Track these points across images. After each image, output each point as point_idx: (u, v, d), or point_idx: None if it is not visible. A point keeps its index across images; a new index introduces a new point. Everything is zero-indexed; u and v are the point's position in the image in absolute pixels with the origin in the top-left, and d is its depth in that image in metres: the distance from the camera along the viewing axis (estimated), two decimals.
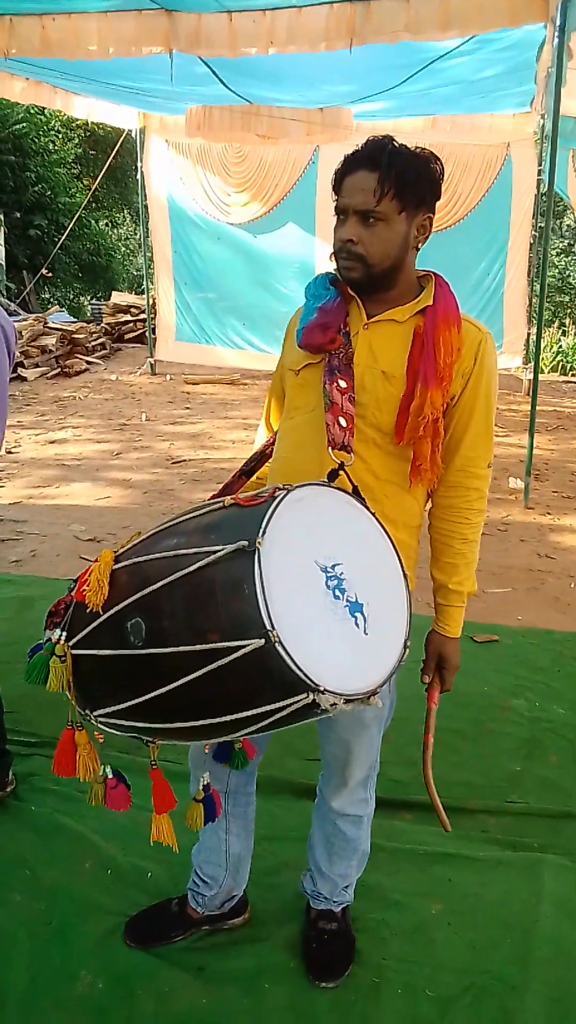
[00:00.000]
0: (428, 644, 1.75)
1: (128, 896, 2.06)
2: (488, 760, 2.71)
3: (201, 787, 1.61)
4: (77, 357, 10.77)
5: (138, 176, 9.55)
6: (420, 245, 1.60)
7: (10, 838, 2.26)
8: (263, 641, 1.17)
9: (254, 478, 1.85)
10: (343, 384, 1.58)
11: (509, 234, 8.60)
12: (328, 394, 1.57)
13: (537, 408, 5.53)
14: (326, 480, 1.47)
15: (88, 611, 1.35)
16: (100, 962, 1.87)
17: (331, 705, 1.20)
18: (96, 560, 1.39)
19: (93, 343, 11.48)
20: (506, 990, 1.84)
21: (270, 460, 1.79)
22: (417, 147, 1.56)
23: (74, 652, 1.38)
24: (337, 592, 1.31)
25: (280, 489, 1.33)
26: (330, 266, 1.69)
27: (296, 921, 1.99)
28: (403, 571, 1.45)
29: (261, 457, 1.83)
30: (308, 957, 1.89)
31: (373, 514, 1.47)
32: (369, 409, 1.59)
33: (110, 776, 1.49)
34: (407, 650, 1.39)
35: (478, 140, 8.06)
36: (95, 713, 1.39)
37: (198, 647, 1.22)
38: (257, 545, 1.21)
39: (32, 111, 14.16)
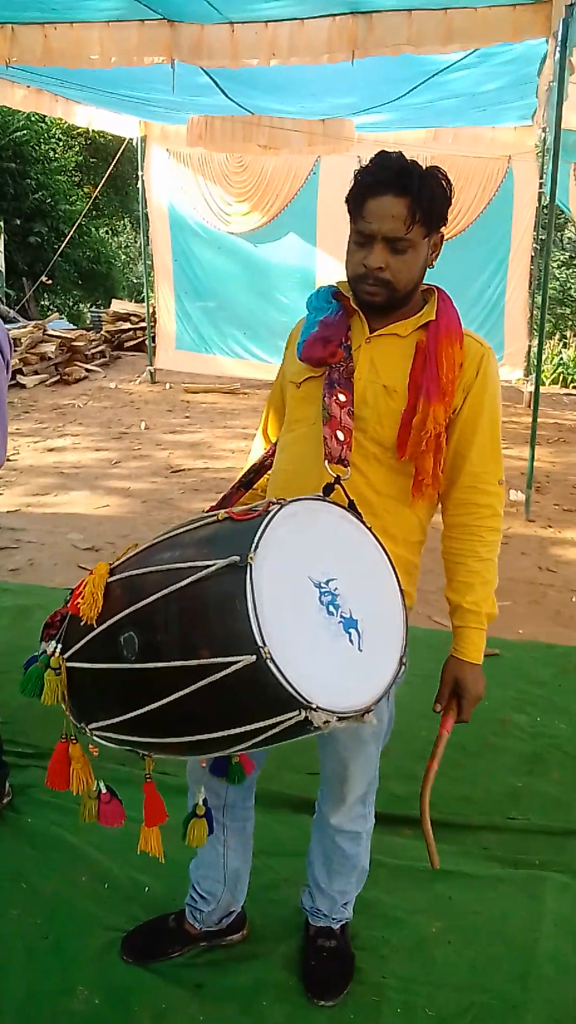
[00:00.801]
0: (444, 669, 1.70)
1: (125, 910, 2.04)
2: (489, 775, 2.69)
3: (201, 802, 1.59)
4: (76, 365, 10.76)
5: (139, 185, 9.58)
6: (433, 263, 1.60)
7: (7, 851, 2.24)
8: (254, 657, 1.16)
9: (255, 489, 1.84)
10: (342, 398, 1.57)
11: (510, 246, 8.64)
12: (327, 407, 1.57)
13: (538, 420, 5.54)
14: (321, 495, 1.45)
15: (82, 624, 1.35)
16: (97, 977, 1.85)
17: (324, 723, 1.19)
18: (91, 572, 1.39)
19: (93, 351, 11.47)
20: (507, 1009, 1.82)
21: (270, 472, 1.78)
22: (430, 167, 1.55)
23: (69, 665, 1.37)
24: (331, 608, 1.29)
25: (274, 504, 1.32)
26: (331, 279, 1.68)
27: (295, 938, 1.97)
28: (399, 587, 1.43)
29: (260, 469, 1.82)
30: (307, 975, 1.87)
31: (370, 529, 1.45)
32: (370, 423, 1.58)
33: (103, 791, 1.47)
34: (403, 667, 1.37)
35: (480, 153, 8.10)
36: (90, 726, 1.38)
37: (190, 662, 1.21)
38: (249, 560, 1.19)
39: (33, 119, 14.20)
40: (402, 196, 1.48)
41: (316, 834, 1.89)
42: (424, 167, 1.53)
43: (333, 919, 1.91)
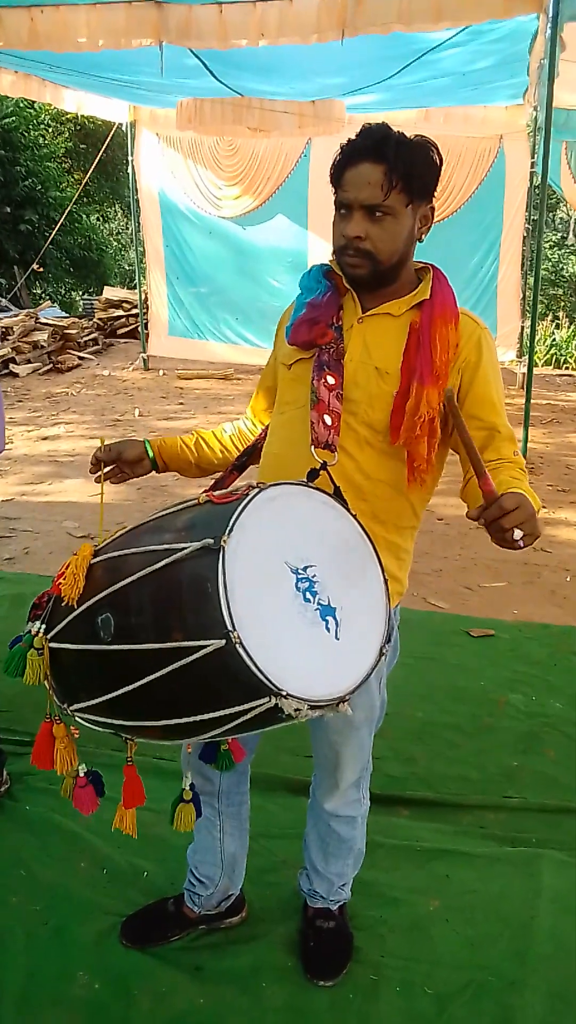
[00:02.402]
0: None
1: (124, 895, 2.05)
2: (485, 755, 2.70)
3: (187, 787, 1.59)
4: (69, 353, 10.71)
5: (129, 170, 9.50)
6: (423, 237, 1.56)
7: (5, 838, 2.25)
8: (224, 642, 1.14)
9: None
10: (331, 380, 1.54)
11: (502, 227, 8.59)
12: (315, 390, 1.54)
13: (531, 402, 5.52)
14: (304, 480, 1.43)
15: (64, 604, 1.35)
16: (97, 962, 1.86)
17: (295, 711, 1.18)
18: (75, 554, 1.38)
19: (85, 338, 11.41)
20: (505, 986, 1.83)
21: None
22: (415, 136, 1.53)
23: (51, 645, 1.37)
24: (308, 595, 1.28)
25: (253, 487, 1.30)
26: (325, 258, 1.66)
27: (293, 919, 1.98)
28: (383, 576, 1.40)
29: (253, 451, 1.81)
30: (306, 956, 1.88)
31: (355, 517, 1.42)
32: (361, 406, 1.55)
33: (82, 774, 1.48)
34: (383, 656, 1.35)
35: (471, 132, 8.04)
36: (72, 707, 1.38)
37: (162, 645, 1.20)
38: (222, 543, 1.18)
39: (21, 105, 14.04)
40: (379, 163, 1.45)
41: (311, 819, 1.89)
42: (409, 136, 1.50)
43: (331, 900, 1.92)
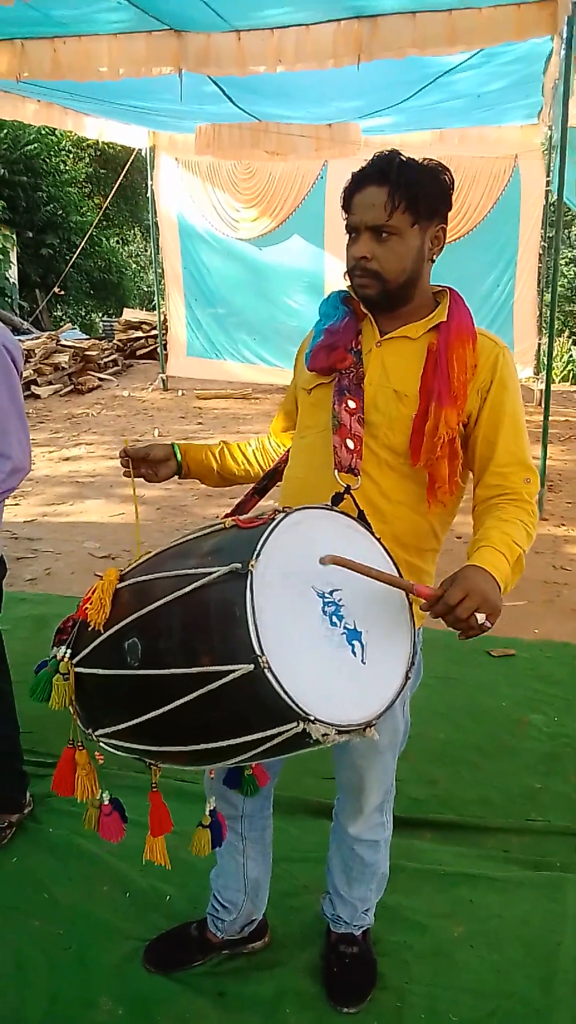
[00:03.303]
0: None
1: (147, 919, 2.05)
2: (507, 777, 2.67)
3: (208, 812, 1.59)
4: (90, 374, 10.82)
5: (148, 194, 9.63)
6: (435, 257, 1.58)
7: (28, 860, 2.25)
8: (252, 667, 1.15)
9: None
10: (352, 405, 1.55)
11: (518, 245, 8.61)
12: (337, 415, 1.55)
13: (549, 419, 5.51)
14: (328, 504, 1.44)
15: (91, 629, 1.36)
16: (120, 987, 1.85)
17: (323, 736, 1.17)
18: (102, 578, 1.40)
19: (105, 360, 11.54)
20: (530, 1013, 1.81)
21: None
22: (425, 159, 1.55)
23: (77, 670, 1.38)
24: (334, 619, 1.28)
25: (279, 512, 1.31)
26: (344, 283, 1.68)
27: (316, 944, 1.97)
28: (408, 600, 1.40)
29: (274, 475, 1.82)
30: (329, 982, 1.87)
31: (378, 540, 1.43)
32: (381, 429, 1.56)
33: (106, 802, 1.48)
34: (408, 680, 1.35)
35: (486, 152, 8.09)
36: (97, 732, 1.39)
37: (190, 670, 1.21)
38: (250, 568, 1.19)
39: (43, 132, 14.30)
40: (383, 185, 1.49)
41: (334, 843, 1.88)
42: (418, 160, 1.53)
43: (354, 925, 1.91)
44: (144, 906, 2.09)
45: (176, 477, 1.82)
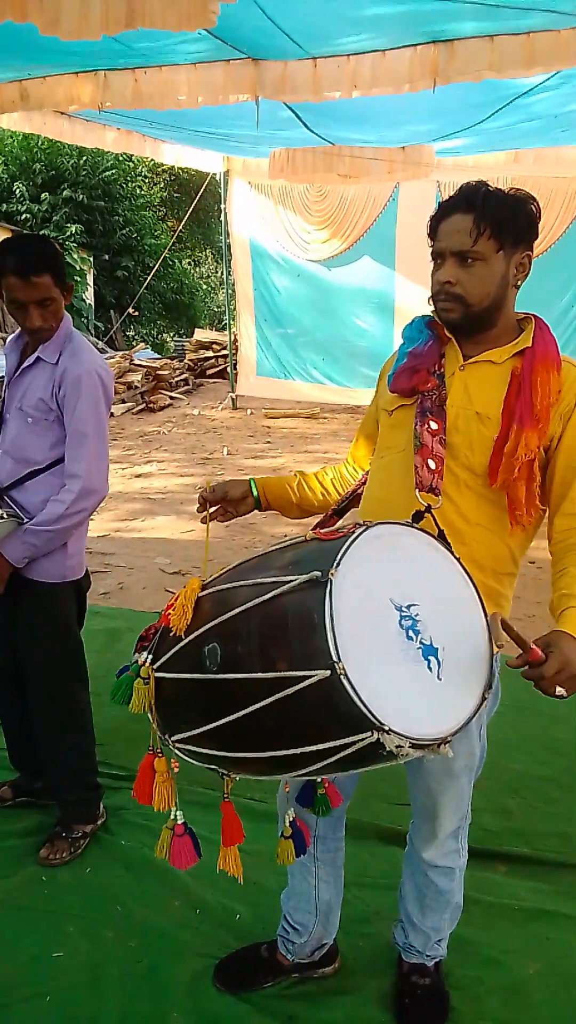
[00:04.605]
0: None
1: (217, 937, 2.05)
2: None
3: (288, 823, 1.59)
4: (161, 393, 11.06)
5: (221, 217, 9.83)
6: (519, 283, 1.58)
7: (101, 872, 2.29)
8: (328, 673, 1.15)
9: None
10: (434, 426, 1.57)
11: None
12: (419, 436, 1.56)
13: None
14: (410, 521, 1.44)
15: (172, 635, 1.39)
16: (191, 1005, 1.86)
17: (396, 747, 1.16)
18: (185, 586, 1.43)
19: (176, 379, 11.78)
20: None
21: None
22: (512, 189, 1.56)
23: (157, 675, 1.41)
24: (411, 633, 1.28)
25: (360, 525, 1.32)
26: (410, 302, 1.69)
27: (387, 973, 1.94)
28: (487, 621, 1.38)
29: (353, 497, 1.84)
30: (401, 1013, 1.84)
31: (458, 559, 1.42)
32: (461, 451, 1.56)
33: (179, 822, 1.50)
34: (486, 700, 1.33)
35: (561, 172, 7.98)
36: (173, 738, 1.41)
37: (267, 675, 1.22)
38: (330, 576, 1.20)
39: (120, 158, 14.78)
40: (468, 212, 1.51)
41: (408, 869, 1.86)
42: (504, 190, 1.54)
43: (427, 956, 1.88)
44: (214, 923, 2.10)
45: (256, 511, 1.85)
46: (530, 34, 4.37)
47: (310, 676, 1.17)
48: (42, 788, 2.52)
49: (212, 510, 1.82)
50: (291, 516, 1.90)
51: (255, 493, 1.81)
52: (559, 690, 1.29)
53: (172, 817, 1.50)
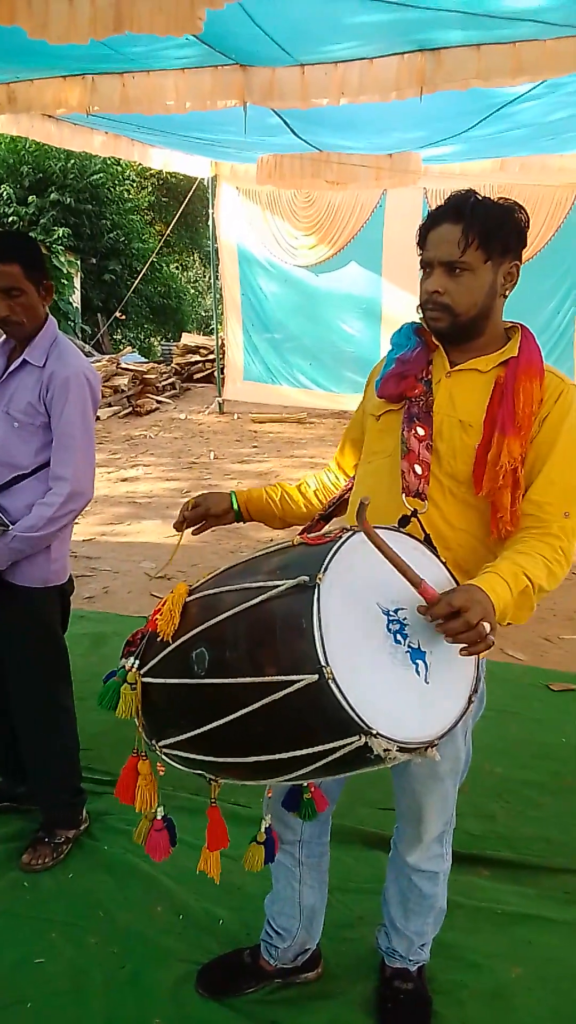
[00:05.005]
0: None
1: (200, 943, 2.05)
2: (569, 816, 2.61)
3: (263, 829, 1.59)
4: (148, 397, 11.03)
5: (209, 222, 9.84)
6: (507, 293, 1.60)
7: (84, 878, 2.27)
8: (316, 677, 1.16)
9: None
10: (421, 432, 1.58)
11: None
12: (405, 441, 1.58)
13: None
14: (396, 526, 1.46)
15: (160, 640, 1.40)
16: (174, 1011, 1.85)
17: (384, 751, 1.18)
18: (172, 591, 1.43)
19: (163, 383, 11.76)
20: None
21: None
22: (500, 198, 1.57)
23: (144, 680, 1.42)
24: (398, 637, 1.29)
25: (347, 530, 1.33)
26: (397, 308, 1.70)
27: (370, 978, 1.94)
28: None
29: (339, 502, 1.84)
30: (383, 1017, 1.84)
31: (444, 563, 1.44)
32: (445, 458, 1.58)
33: (158, 818, 1.50)
34: (472, 704, 1.34)
35: (547, 180, 8.05)
36: (160, 743, 1.41)
37: (255, 679, 1.23)
38: (317, 581, 1.21)
39: (108, 162, 14.74)
40: (457, 222, 1.52)
41: (392, 873, 1.86)
42: (493, 200, 1.55)
43: (410, 960, 1.88)
44: (198, 929, 2.09)
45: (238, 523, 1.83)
46: (516, 43, 4.41)
47: (298, 680, 1.18)
48: (24, 793, 2.50)
49: (191, 529, 1.80)
50: (274, 527, 1.90)
51: (236, 507, 1.80)
52: (486, 627, 1.25)
53: (153, 812, 1.51)
